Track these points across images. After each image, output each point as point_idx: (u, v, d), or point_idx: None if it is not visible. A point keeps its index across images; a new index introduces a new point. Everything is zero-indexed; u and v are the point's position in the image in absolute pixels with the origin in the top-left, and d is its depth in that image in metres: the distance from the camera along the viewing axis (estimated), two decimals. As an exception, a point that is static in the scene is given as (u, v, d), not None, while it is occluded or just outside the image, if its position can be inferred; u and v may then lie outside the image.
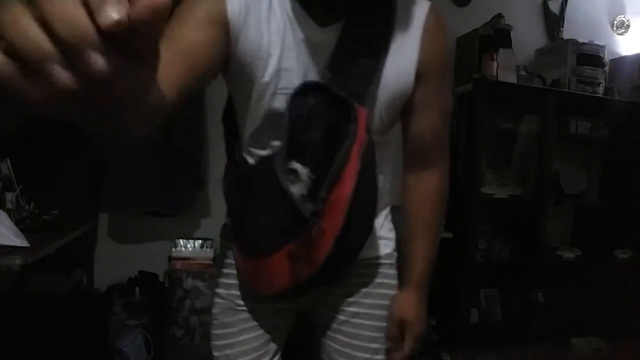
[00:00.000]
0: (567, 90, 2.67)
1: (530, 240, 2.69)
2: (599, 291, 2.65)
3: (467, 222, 2.49)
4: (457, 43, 2.73)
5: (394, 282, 0.90)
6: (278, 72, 0.73)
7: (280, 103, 0.74)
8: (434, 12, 0.80)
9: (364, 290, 0.87)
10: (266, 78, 0.73)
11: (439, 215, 0.90)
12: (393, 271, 0.90)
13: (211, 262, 2.23)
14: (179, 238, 2.26)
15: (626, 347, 2.60)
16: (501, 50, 2.52)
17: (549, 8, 2.95)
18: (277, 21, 0.72)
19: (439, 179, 0.88)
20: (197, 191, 2.32)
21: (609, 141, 2.94)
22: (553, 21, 2.94)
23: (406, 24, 0.77)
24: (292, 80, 0.73)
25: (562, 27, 2.92)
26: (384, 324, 0.88)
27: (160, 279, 2.21)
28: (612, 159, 3.03)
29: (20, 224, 1.52)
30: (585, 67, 2.70)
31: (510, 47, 2.59)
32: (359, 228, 0.75)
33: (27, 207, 1.71)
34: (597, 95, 2.74)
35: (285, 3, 0.73)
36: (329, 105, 0.72)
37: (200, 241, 2.28)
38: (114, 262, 2.25)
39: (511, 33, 2.62)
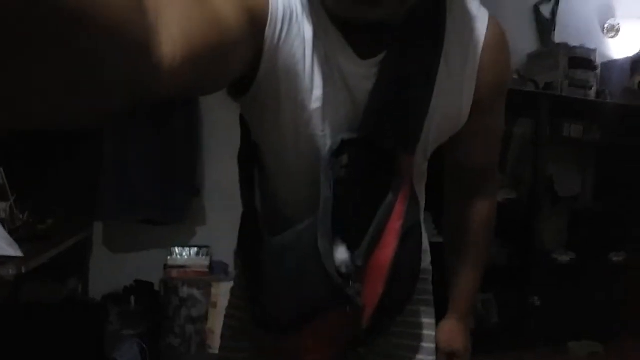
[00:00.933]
0: (559, 93, 2.70)
1: (526, 243, 2.70)
2: (594, 294, 2.66)
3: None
4: (450, 48, 2.75)
5: (430, 297, 0.84)
6: (321, 107, 0.61)
7: (313, 147, 0.63)
8: (495, 27, 0.67)
9: None
10: (309, 109, 0.61)
11: (489, 245, 0.85)
12: (428, 287, 0.85)
13: (207, 270, 2.23)
14: (174, 246, 2.25)
15: (622, 350, 2.61)
16: (494, 54, 2.55)
17: (540, 12, 2.98)
18: (311, 47, 0.60)
19: (490, 207, 0.81)
20: (192, 199, 2.31)
21: (602, 144, 2.97)
22: (545, 25, 2.97)
23: (461, 48, 0.65)
24: (335, 119, 0.63)
25: (554, 31, 2.95)
26: (421, 344, 0.81)
27: (156, 287, 2.20)
28: (605, 162, 3.06)
29: (14, 233, 1.50)
30: (577, 70, 2.73)
31: (503, 51, 2.61)
32: (402, 292, 0.68)
33: (21, 216, 1.69)
34: (590, 98, 2.77)
35: (321, 29, 0.60)
36: (368, 156, 0.63)
37: (196, 249, 2.27)
38: (109, 271, 2.24)
39: (503, 38, 2.65)
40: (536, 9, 2.99)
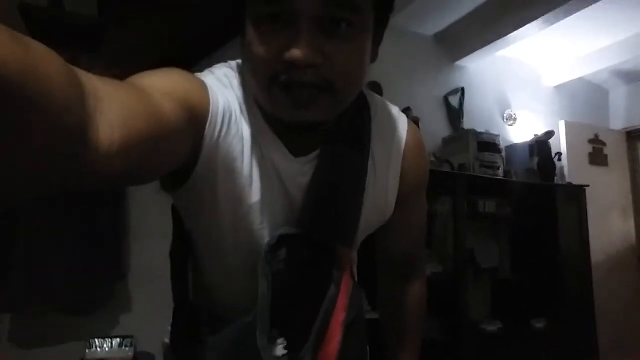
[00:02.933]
0: (472, 173, 2.96)
1: (455, 315, 2.78)
2: (522, 361, 2.76)
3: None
4: (374, 132, 2.99)
5: None
6: (260, 201, 0.63)
7: (251, 240, 0.65)
8: (414, 131, 0.74)
9: None
10: (248, 203, 0.62)
11: (422, 325, 0.89)
12: None
13: (130, 363, 2.05)
14: (93, 337, 2.07)
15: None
16: (413, 138, 2.78)
17: (449, 102, 3.35)
18: (249, 145, 0.63)
19: (420, 289, 0.87)
20: (117, 283, 2.17)
21: (513, 218, 3.24)
22: (454, 113, 3.33)
23: (385, 149, 0.71)
24: (273, 214, 0.64)
25: (462, 118, 3.31)
26: None
27: (71, 386, 1.97)
28: (517, 234, 3.32)
29: None
30: (486, 153, 3.03)
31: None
32: None
33: None
34: (498, 177, 3.06)
35: (257, 128, 0.63)
36: (307, 250, 0.64)
37: (118, 339, 2.10)
38: (16, 370, 1.99)
39: (420, 123, 2.92)
40: (446, 100, 3.36)
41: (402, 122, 0.74)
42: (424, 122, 2.98)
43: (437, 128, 3.27)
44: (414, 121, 3.04)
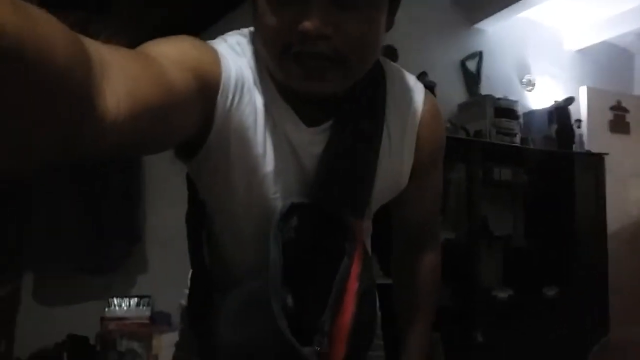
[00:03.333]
0: (488, 140, 2.91)
1: (467, 282, 2.80)
2: (532, 327, 2.78)
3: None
4: (388, 98, 2.94)
5: (380, 342, 0.87)
6: (273, 170, 0.64)
7: (264, 208, 0.65)
8: (430, 101, 0.73)
9: None
10: (261, 172, 0.63)
11: (437, 296, 0.88)
12: (379, 331, 0.87)
13: (148, 322, 2.12)
14: (112, 297, 2.14)
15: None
16: (428, 104, 2.74)
17: (467, 67, 3.27)
18: (263, 115, 0.63)
19: (433, 259, 0.86)
20: (133, 246, 2.23)
21: (528, 186, 3.20)
22: (471, 78, 3.25)
23: (401, 118, 0.70)
24: (286, 183, 0.65)
25: (480, 84, 3.23)
26: None
27: (92, 342, 2.05)
28: (533, 202, 3.29)
29: None
30: (503, 119, 2.98)
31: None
32: (362, 350, 0.70)
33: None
34: (515, 144, 3.01)
35: (270, 98, 0.63)
36: (319, 220, 0.65)
37: (136, 299, 2.17)
38: (39, 326, 2.07)
39: (435, 89, 2.86)
40: (463, 64, 3.28)
41: (419, 92, 0.73)
42: (440, 87, 2.92)
43: (453, 93, 3.20)
44: (430, 86, 3.00)
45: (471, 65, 3.26)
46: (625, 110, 3.82)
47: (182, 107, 0.50)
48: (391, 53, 3.04)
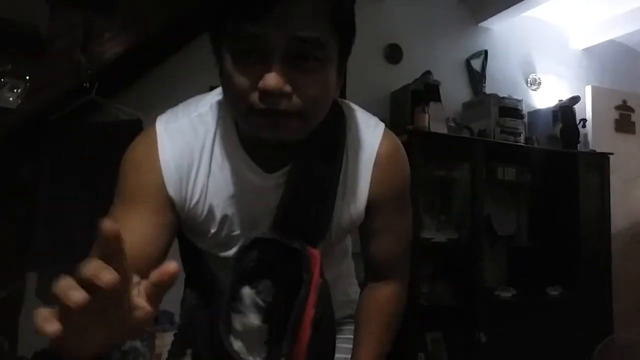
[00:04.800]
0: (492, 139, 2.90)
1: (469, 281, 2.79)
2: (535, 327, 2.78)
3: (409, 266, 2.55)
4: (391, 97, 2.93)
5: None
6: (224, 219, 0.76)
7: (230, 251, 0.77)
8: (387, 139, 0.79)
9: None
10: (213, 229, 0.76)
11: (390, 327, 0.89)
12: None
13: (152, 320, 2.12)
14: (116, 295, 2.14)
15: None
16: (431, 103, 2.72)
17: (471, 66, 3.25)
18: (218, 170, 0.74)
19: (394, 290, 0.89)
20: (136, 245, 2.23)
21: (533, 185, 3.19)
22: (476, 77, 3.23)
23: (357, 157, 0.77)
24: (241, 226, 0.76)
25: (484, 83, 3.21)
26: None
27: (95, 341, 2.05)
28: (537, 202, 3.27)
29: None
30: (507, 118, 2.96)
31: (440, 100, 2.80)
32: None
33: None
34: (519, 144, 3.00)
35: (230, 151, 0.74)
36: (279, 255, 0.72)
37: (139, 298, 2.17)
38: (43, 325, 2.08)
39: (440, 88, 2.85)
40: (468, 63, 3.26)
41: (377, 132, 0.79)
42: (444, 86, 2.90)
43: (458, 92, 3.18)
44: (434, 85, 2.99)
45: (476, 64, 3.24)
46: (631, 110, 3.80)
47: (170, 229, 0.74)
48: (396, 51, 3.03)
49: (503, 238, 3.14)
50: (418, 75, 2.85)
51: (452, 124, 2.87)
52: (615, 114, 3.74)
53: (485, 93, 3.14)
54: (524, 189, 3.25)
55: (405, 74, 2.89)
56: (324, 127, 0.72)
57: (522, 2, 2.97)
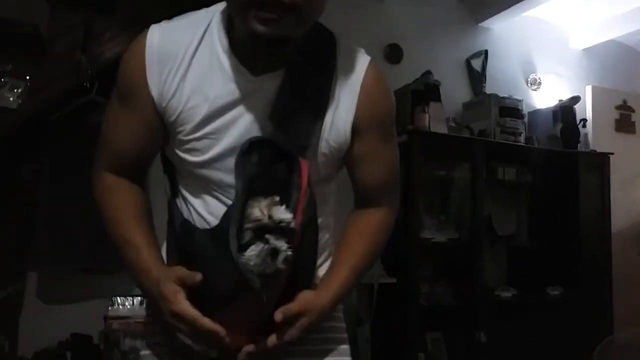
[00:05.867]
0: (493, 139, 2.90)
1: (470, 281, 2.79)
2: (535, 327, 2.78)
3: (409, 266, 2.56)
4: (392, 97, 2.93)
5: (344, 335, 0.88)
6: (209, 119, 0.75)
7: (216, 153, 0.76)
8: (374, 68, 0.81)
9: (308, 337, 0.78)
10: (187, 128, 0.76)
11: (372, 249, 0.85)
12: (341, 324, 0.88)
13: (151, 320, 2.13)
14: (116, 296, 2.14)
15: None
16: (432, 103, 2.72)
17: (472, 66, 3.25)
18: (199, 68, 0.75)
19: (382, 216, 0.87)
20: (136, 245, 2.22)
21: (533, 185, 3.19)
22: (476, 77, 3.23)
23: (346, 78, 0.79)
24: (228, 128, 0.75)
25: (485, 83, 3.21)
26: (337, 346, 0.84)
27: (95, 340, 2.06)
28: (537, 202, 3.27)
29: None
30: (507, 118, 2.96)
31: (440, 100, 2.80)
32: (305, 277, 0.77)
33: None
34: (520, 143, 2.99)
35: (216, 52, 0.75)
36: (273, 158, 0.73)
37: (139, 298, 2.16)
38: (43, 325, 2.08)
39: (440, 88, 2.84)
40: (468, 63, 3.26)
41: (364, 61, 0.81)
42: (445, 86, 2.90)
43: (458, 92, 3.18)
44: (434, 85, 2.98)
45: (476, 64, 3.24)
46: (631, 110, 3.79)
47: (155, 131, 0.79)
48: (396, 51, 3.03)
49: (503, 238, 3.14)
50: (418, 75, 2.84)
51: (452, 124, 2.87)
52: (615, 114, 3.73)
53: (485, 93, 3.14)
54: (524, 189, 3.25)
55: (405, 74, 2.89)
56: (317, 41, 0.74)
57: (522, 2, 2.97)
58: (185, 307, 0.67)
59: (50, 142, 2.08)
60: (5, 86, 1.65)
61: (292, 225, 0.67)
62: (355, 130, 0.80)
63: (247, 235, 0.66)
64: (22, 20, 1.58)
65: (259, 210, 0.67)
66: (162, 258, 0.79)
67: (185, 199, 0.82)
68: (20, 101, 1.66)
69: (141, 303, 2.16)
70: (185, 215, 0.81)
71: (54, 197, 2.03)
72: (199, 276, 0.68)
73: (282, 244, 0.66)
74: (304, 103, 0.76)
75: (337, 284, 0.79)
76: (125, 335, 2.00)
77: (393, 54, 3.01)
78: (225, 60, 0.75)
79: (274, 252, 0.65)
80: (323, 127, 0.77)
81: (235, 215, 0.67)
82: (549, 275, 3.04)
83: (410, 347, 2.58)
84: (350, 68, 0.80)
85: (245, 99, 0.75)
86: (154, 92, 0.75)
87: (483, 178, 2.86)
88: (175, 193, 0.84)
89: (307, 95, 0.76)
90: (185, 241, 0.77)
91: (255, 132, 0.75)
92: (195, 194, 0.81)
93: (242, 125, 0.75)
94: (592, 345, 2.40)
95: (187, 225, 0.79)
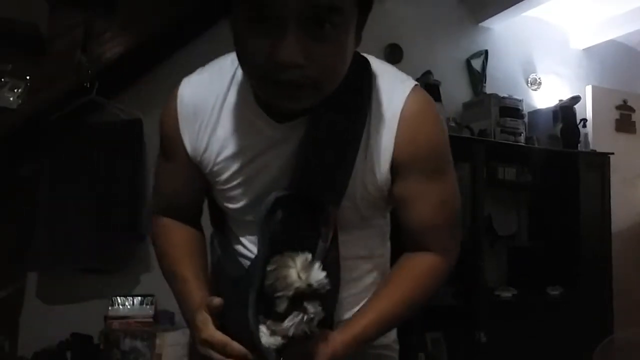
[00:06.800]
0: (493, 139, 2.90)
1: (470, 281, 2.79)
2: (535, 327, 2.77)
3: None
4: (392, 97, 2.93)
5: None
6: (239, 169, 0.75)
7: (247, 202, 0.78)
8: (416, 95, 0.73)
9: None
10: (222, 179, 0.77)
11: (411, 296, 0.77)
12: (390, 353, 0.88)
13: (151, 320, 2.12)
14: (116, 296, 2.14)
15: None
16: (432, 103, 2.72)
17: (472, 66, 3.24)
18: (228, 119, 0.75)
19: (430, 261, 0.79)
20: (136, 245, 2.22)
21: (533, 185, 3.19)
22: (476, 77, 3.23)
23: (381, 112, 0.72)
24: (257, 176, 0.75)
25: (485, 83, 3.21)
26: None
27: (96, 340, 2.06)
28: (537, 202, 3.27)
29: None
30: (507, 118, 2.96)
31: (440, 100, 2.80)
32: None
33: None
34: (520, 143, 2.99)
35: (241, 101, 0.74)
36: (301, 211, 0.70)
37: (139, 298, 2.17)
38: (43, 325, 2.08)
39: (440, 88, 2.84)
40: (468, 63, 3.26)
41: (404, 88, 0.73)
42: (445, 86, 2.90)
43: (458, 92, 3.18)
44: (434, 85, 2.98)
45: (476, 63, 3.24)
46: (632, 110, 3.79)
47: (198, 182, 0.82)
48: (396, 51, 3.02)
49: (503, 238, 3.13)
50: (418, 75, 2.84)
51: (453, 124, 2.86)
52: (615, 114, 3.73)
53: (485, 93, 3.13)
54: (524, 189, 3.25)
55: (405, 74, 2.89)
56: (346, 80, 0.67)
57: (522, 2, 2.96)
58: (213, 332, 0.68)
59: (50, 142, 2.08)
60: (5, 86, 1.65)
61: (328, 287, 0.64)
62: (396, 169, 0.73)
63: (283, 304, 0.63)
64: (22, 20, 1.58)
65: (295, 274, 0.63)
66: (206, 291, 0.78)
67: (228, 236, 0.86)
68: (20, 101, 1.66)
69: (141, 303, 2.16)
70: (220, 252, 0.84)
71: (54, 197, 2.03)
72: (216, 300, 0.69)
73: (317, 309, 0.64)
74: (331, 150, 0.70)
75: (359, 327, 0.73)
76: (125, 335, 2.00)
77: (393, 54, 3.00)
78: (251, 110, 0.74)
79: (310, 320, 0.64)
80: (356, 172, 0.71)
81: (255, 280, 0.66)
82: (549, 275, 3.04)
83: (410, 347, 2.57)
84: (387, 100, 0.72)
85: (272, 148, 0.73)
86: (189, 147, 0.77)
87: (483, 178, 2.86)
88: (217, 230, 0.88)
89: (334, 141, 0.70)
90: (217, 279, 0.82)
91: (282, 182, 0.72)
92: (238, 235, 0.84)
93: (268, 175, 0.74)
94: (592, 345, 2.40)
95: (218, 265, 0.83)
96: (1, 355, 1.92)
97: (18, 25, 1.58)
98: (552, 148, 3.10)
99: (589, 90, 3.66)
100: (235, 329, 0.69)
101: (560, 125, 3.16)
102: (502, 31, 3.36)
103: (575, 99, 3.23)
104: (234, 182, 0.76)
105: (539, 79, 3.48)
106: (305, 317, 0.63)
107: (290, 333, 0.63)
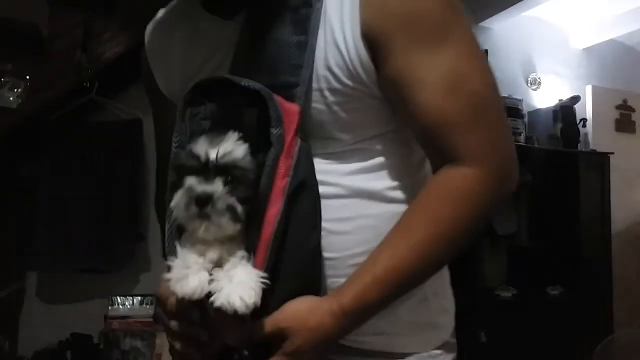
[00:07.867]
0: (492, 139, 2.89)
1: (469, 281, 2.79)
2: (535, 327, 2.77)
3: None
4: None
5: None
6: (187, 81, 0.63)
7: None
8: None
9: None
10: (174, 87, 0.72)
11: (432, 231, 0.55)
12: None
13: (151, 320, 2.12)
14: (116, 295, 2.14)
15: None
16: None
17: (472, 66, 3.24)
18: (179, 29, 0.71)
19: (451, 176, 0.56)
20: (137, 245, 2.23)
21: (533, 185, 3.18)
22: (477, 78, 3.22)
23: None
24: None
25: (485, 83, 3.20)
26: None
27: (96, 340, 2.06)
28: (537, 202, 3.27)
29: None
30: (508, 118, 2.95)
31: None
32: (294, 262, 0.53)
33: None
34: (520, 143, 2.99)
35: (191, 9, 0.69)
36: (236, 105, 0.54)
37: (139, 298, 2.17)
38: (43, 325, 2.08)
39: (440, 88, 2.84)
40: (468, 63, 3.25)
41: None
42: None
43: (458, 92, 3.18)
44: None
45: (476, 64, 3.23)
46: (632, 110, 3.79)
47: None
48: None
49: (503, 238, 3.13)
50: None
51: (453, 124, 2.86)
52: (615, 114, 3.73)
53: (485, 93, 3.13)
54: (525, 189, 3.24)
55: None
56: None
57: (522, 2, 2.96)
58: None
59: (50, 142, 2.08)
60: (5, 86, 1.66)
61: (243, 164, 0.49)
62: (373, 42, 0.54)
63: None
64: (22, 20, 1.58)
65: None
66: None
67: None
68: (20, 101, 1.67)
69: (141, 303, 2.16)
70: None
71: (54, 197, 2.03)
72: None
73: (213, 188, 0.49)
74: (280, 30, 0.56)
75: (355, 290, 0.53)
76: (125, 335, 2.00)
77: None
78: (197, 14, 0.67)
79: (202, 199, 0.48)
80: (316, 53, 0.55)
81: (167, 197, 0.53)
82: (549, 275, 3.04)
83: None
84: None
85: (220, 49, 0.63)
86: (164, 89, 0.79)
87: (484, 178, 2.85)
88: None
89: (281, 16, 0.56)
90: None
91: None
92: None
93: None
94: (592, 345, 2.41)
95: None
96: (1, 355, 1.92)
97: (18, 25, 1.58)
98: (552, 148, 3.10)
99: (589, 90, 3.66)
100: None
101: (560, 125, 3.16)
102: (502, 31, 3.36)
103: (575, 99, 3.23)
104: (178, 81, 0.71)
105: (539, 79, 3.48)
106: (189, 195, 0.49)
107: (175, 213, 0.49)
